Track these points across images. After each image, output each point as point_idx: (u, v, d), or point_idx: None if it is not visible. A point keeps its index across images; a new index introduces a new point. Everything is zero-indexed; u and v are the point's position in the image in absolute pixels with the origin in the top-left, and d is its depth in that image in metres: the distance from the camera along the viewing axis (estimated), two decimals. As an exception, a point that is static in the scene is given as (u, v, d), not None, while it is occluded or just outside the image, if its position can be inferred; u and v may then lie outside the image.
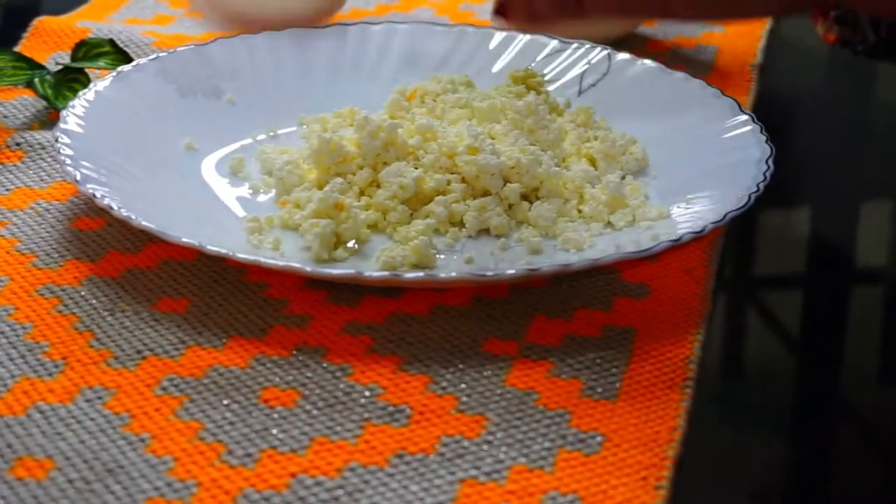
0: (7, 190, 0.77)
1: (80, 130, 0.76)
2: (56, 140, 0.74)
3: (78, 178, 0.71)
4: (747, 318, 0.76)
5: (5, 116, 0.85)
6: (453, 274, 0.66)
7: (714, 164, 0.76)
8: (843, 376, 0.69)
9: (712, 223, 0.69)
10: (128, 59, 0.88)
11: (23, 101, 0.87)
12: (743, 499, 0.60)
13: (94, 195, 0.69)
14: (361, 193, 0.74)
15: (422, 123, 0.76)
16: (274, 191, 0.76)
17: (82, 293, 0.67)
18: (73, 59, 0.88)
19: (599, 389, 0.61)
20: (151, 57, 0.84)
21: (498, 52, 0.89)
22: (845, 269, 0.80)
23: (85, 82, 0.86)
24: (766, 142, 0.76)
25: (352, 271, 0.66)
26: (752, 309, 0.77)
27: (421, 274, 0.67)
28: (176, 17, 1.03)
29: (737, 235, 0.77)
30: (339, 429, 0.58)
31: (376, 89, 0.85)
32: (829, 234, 0.83)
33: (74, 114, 0.77)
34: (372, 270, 0.67)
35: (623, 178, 0.76)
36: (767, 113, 0.80)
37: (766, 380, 0.69)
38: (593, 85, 0.86)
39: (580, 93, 0.86)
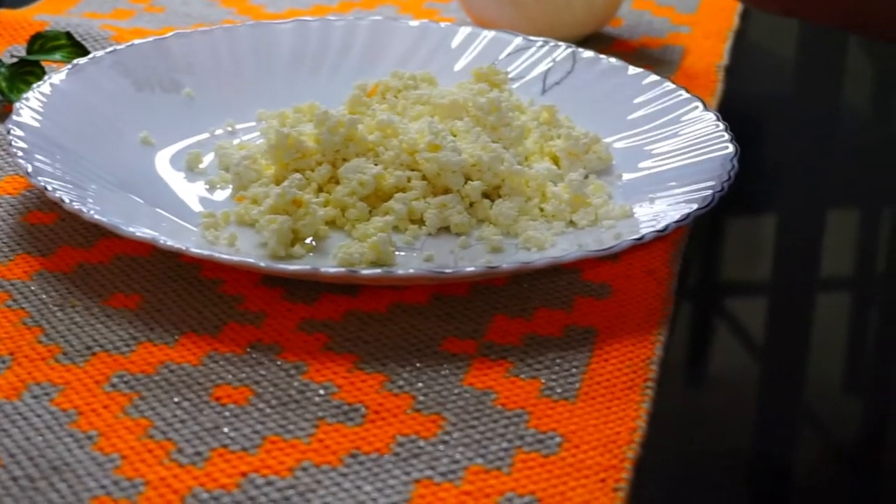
0: (-42, 183, 0.76)
1: (34, 123, 0.75)
2: (9, 132, 0.73)
3: (30, 170, 0.70)
4: (709, 319, 0.75)
5: (-42, 109, 0.84)
6: (411, 271, 0.65)
7: (678, 163, 0.76)
8: (805, 381, 0.69)
9: (675, 222, 0.68)
10: (84, 53, 0.86)
11: (-24, 94, 0.86)
12: (702, 501, 0.59)
13: (46, 188, 0.68)
14: (320, 190, 0.73)
15: (382, 119, 0.75)
16: (231, 186, 0.75)
17: (32, 288, 0.66)
18: (29, 51, 0.87)
19: (559, 390, 0.61)
20: (108, 50, 0.83)
21: (461, 50, 0.88)
22: (809, 273, 0.79)
23: (40, 75, 0.85)
24: (731, 141, 0.75)
25: (308, 268, 0.65)
26: (715, 311, 0.77)
27: (378, 271, 0.66)
28: (135, 11, 1.02)
29: (701, 236, 0.77)
30: (292, 427, 0.57)
31: (337, 85, 0.84)
32: (794, 237, 0.83)
33: (28, 106, 0.76)
34: (329, 267, 0.66)
35: (586, 176, 0.75)
36: (733, 114, 0.80)
37: (728, 382, 0.68)
38: (557, 83, 0.85)
39: (544, 91, 0.85)
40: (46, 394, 0.59)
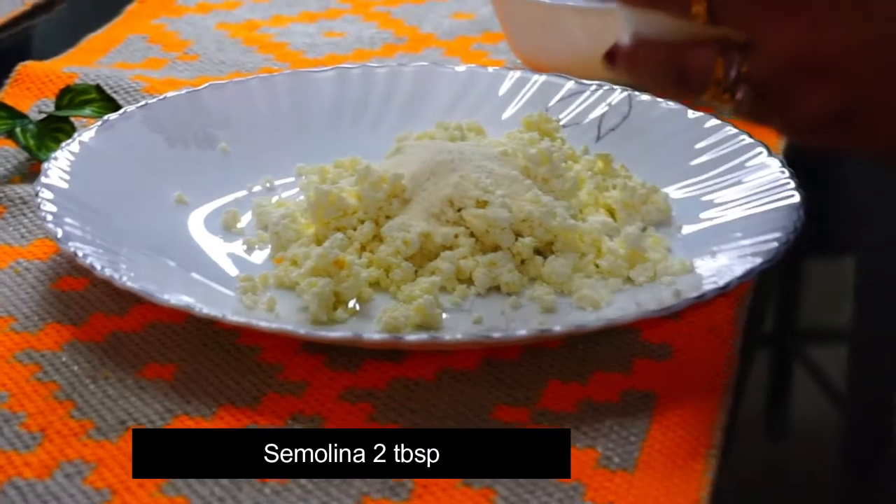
0: (-15, 248, 0.77)
1: (63, 184, 0.76)
2: (37, 195, 0.74)
3: (59, 235, 0.71)
4: (778, 379, 0.75)
5: (-15, 169, 0.86)
6: (459, 336, 0.66)
7: (741, 213, 0.76)
8: (877, 438, 0.69)
9: (738, 278, 0.68)
10: (115, 107, 0.88)
11: (3, 153, 0.87)
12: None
13: (76, 254, 0.69)
14: (363, 249, 0.74)
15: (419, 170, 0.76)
16: (269, 247, 0.76)
17: (63, 359, 0.67)
18: (58, 107, 0.89)
19: (616, 459, 0.61)
20: (139, 104, 0.84)
21: (511, 96, 0.89)
22: (883, 325, 0.79)
23: (69, 132, 0.86)
24: (797, 189, 0.76)
25: (350, 334, 0.66)
26: (783, 370, 0.77)
27: (424, 336, 0.66)
28: (168, 60, 1.03)
29: (767, 290, 0.77)
30: (334, 503, 0.58)
31: (380, 137, 0.84)
32: (867, 284, 0.83)
33: (57, 166, 0.78)
34: (372, 333, 0.67)
35: (644, 229, 0.76)
36: (798, 159, 0.80)
37: (799, 447, 0.69)
38: (613, 129, 0.86)
39: (598, 138, 0.85)
40: (79, 472, 0.60)
